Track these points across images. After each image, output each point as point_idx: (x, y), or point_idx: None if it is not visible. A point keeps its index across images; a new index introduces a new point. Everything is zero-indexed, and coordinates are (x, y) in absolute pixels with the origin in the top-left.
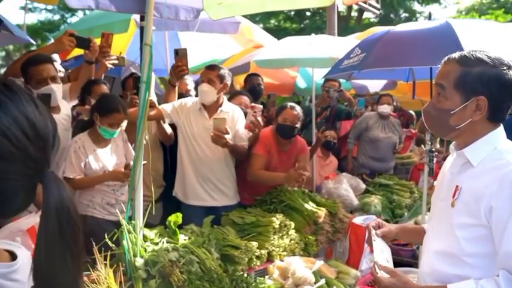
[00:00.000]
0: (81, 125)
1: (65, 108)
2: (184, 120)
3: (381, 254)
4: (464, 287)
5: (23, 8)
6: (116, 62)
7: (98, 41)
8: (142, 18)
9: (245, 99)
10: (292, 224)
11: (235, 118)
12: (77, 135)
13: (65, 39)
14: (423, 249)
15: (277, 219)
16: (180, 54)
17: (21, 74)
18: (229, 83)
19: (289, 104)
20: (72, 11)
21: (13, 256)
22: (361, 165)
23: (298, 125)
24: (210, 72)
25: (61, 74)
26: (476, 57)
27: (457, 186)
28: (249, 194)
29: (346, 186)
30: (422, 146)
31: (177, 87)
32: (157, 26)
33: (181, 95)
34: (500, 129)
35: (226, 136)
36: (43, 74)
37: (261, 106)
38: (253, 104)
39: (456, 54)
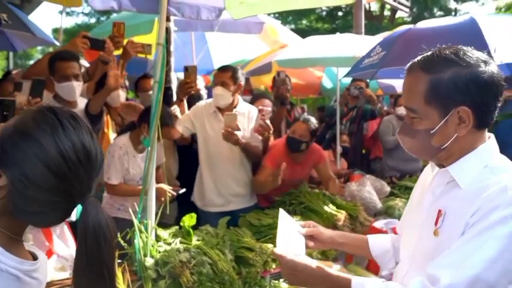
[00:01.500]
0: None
1: (82, 104)
2: (199, 125)
3: (286, 242)
4: (372, 283)
5: (61, 12)
6: (141, 49)
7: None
8: (167, 19)
9: (267, 102)
10: None
11: (251, 118)
12: (120, 139)
13: (79, 41)
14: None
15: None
16: (190, 71)
17: (47, 68)
18: (243, 83)
19: (304, 116)
20: (108, 14)
21: (34, 257)
22: (390, 168)
23: (307, 139)
24: (223, 74)
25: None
26: (443, 59)
27: (439, 210)
28: (265, 196)
29: (370, 189)
30: None
31: (185, 101)
32: (181, 27)
33: (192, 96)
34: (491, 142)
35: (238, 133)
36: (67, 71)
37: (269, 109)
38: (261, 107)
39: (418, 60)
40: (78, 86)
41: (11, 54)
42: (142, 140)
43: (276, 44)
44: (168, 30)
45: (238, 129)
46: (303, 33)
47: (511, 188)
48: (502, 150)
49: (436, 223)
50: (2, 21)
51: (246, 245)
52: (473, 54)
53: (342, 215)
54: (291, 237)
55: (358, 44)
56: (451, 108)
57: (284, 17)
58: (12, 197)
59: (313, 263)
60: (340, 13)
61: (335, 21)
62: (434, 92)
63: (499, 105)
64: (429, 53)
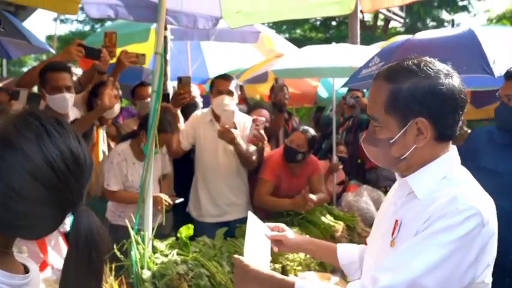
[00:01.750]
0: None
1: (73, 116)
2: (196, 135)
3: (253, 247)
4: (314, 285)
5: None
6: (135, 59)
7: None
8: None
9: (264, 112)
10: None
11: (246, 128)
12: (119, 146)
13: (73, 49)
14: None
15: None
16: (183, 82)
17: (38, 78)
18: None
19: (303, 127)
20: (102, 22)
21: (26, 269)
22: (384, 178)
23: (304, 150)
24: (227, 83)
25: (74, 78)
26: (404, 69)
27: (396, 221)
28: (260, 209)
29: (367, 199)
30: None
31: (179, 112)
32: (177, 36)
33: (187, 104)
34: (452, 153)
35: (234, 131)
36: (59, 83)
37: (264, 119)
38: (255, 117)
39: (384, 69)
40: (70, 97)
41: (4, 61)
42: (143, 148)
43: (271, 53)
44: (164, 39)
45: (235, 127)
46: (297, 42)
47: (460, 198)
48: None
49: (392, 233)
50: (4, 28)
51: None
52: (435, 66)
53: (340, 226)
54: (258, 241)
55: (354, 54)
56: (409, 118)
57: (278, 26)
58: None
59: (265, 269)
60: (333, 23)
61: (329, 31)
62: (394, 101)
63: (461, 118)
64: (394, 63)
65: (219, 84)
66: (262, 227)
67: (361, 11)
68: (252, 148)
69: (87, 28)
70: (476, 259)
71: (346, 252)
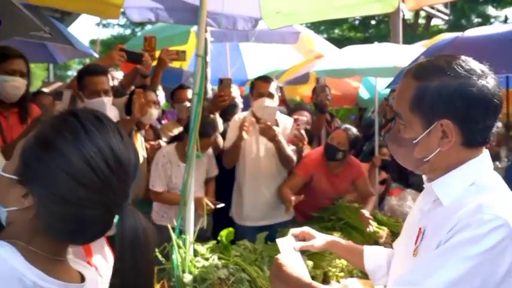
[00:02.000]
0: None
1: (113, 117)
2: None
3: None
4: None
5: (98, 24)
6: (175, 56)
7: (157, 53)
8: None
9: (306, 114)
10: None
11: (287, 128)
12: (165, 148)
13: (115, 54)
14: None
15: None
16: (224, 84)
17: (76, 83)
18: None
19: (345, 125)
20: (142, 26)
21: (82, 277)
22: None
23: (345, 148)
24: (267, 85)
25: (115, 82)
26: (434, 67)
27: (420, 229)
28: (302, 212)
29: (411, 204)
30: (498, 163)
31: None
32: (217, 38)
33: (227, 104)
34: (482, 158)
35: (276, 128)
36: (97, 87)
37: (305, 119)
38: (296, 117)
39: (413, 66)
40: (108, 101)
41: (51, 65)
42: (187, 151)
43: (310, 53)
44: (205, 42)
45: (277, 125)
46: (336, 42)
47: (486, 207)
48: None
49: (415, 242)
50: (51, 33)
51: None
52: (468, 65)
53: (383, 232)
54: (291, 255)
55: (397, 54)
56: (434, 119)
57: (316, 26)
58: (43, 216)
59: (296, 271)
60: (373, 22)
61: (368, 30)
62: (419, 100)
63: (494, 124)
64: (425, 60)
65: (259, 87)
66: (290, 240)
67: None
68: (292, 148)
69: (127, 32)
70: (505, 277)
71: (373, 255)
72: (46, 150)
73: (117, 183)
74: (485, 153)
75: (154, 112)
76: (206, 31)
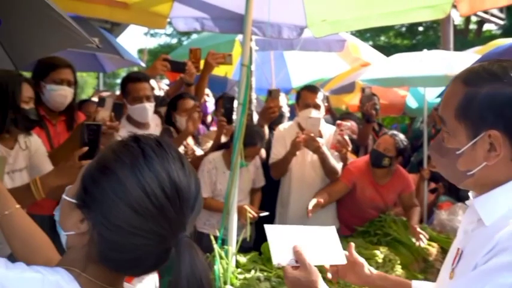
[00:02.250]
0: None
1: (154, 124)
2: (283, 150)
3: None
4: None
5: (146, 33)
6: (222, 60)
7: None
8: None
9: (352, 123)
10: (398, 259)
11: (331, 138)
12: (212, 154)
13: (158, 64)
14: None
15: (380, 253)
16: (273, 95)
17: (120, 90)
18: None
19: (392, 131)
20: (188, 35)
21: None
22: None
23: (391, 155)
24: (314, 95)
25: (161, 92)
26: (487, 72)
27: (458, 249)
28: (347, 224)
29: (462, 218)
30: None
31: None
32: (262, 46)
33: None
34: None
35: (319, 140)
36: (140, 93)
37: (348, 124)
38: (339, 122)
39: (464, 70)
40: (150, 107)
41: (101, 74)
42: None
43: (356, 61)
44: (250, 50)
45: (320, 136)
46: (382, 49)
47: None
48: None
49: (452, 263)
50: (98, 45)
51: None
52: None
53: (433, 249)
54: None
55: (448, 62)
56: (481, 130)
57: (362, 33)
58: (97, 243)
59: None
60: (420, 28)
61: (415, 37)
62: (467, 107)
63: None
64: (478, 65)
65: (305, 97)
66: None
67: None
68: (338, 163)
69: (174, 41)
70: None
71: None
72: (104, 175)
73: (173, 213)
74: None
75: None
76: (251, 40)
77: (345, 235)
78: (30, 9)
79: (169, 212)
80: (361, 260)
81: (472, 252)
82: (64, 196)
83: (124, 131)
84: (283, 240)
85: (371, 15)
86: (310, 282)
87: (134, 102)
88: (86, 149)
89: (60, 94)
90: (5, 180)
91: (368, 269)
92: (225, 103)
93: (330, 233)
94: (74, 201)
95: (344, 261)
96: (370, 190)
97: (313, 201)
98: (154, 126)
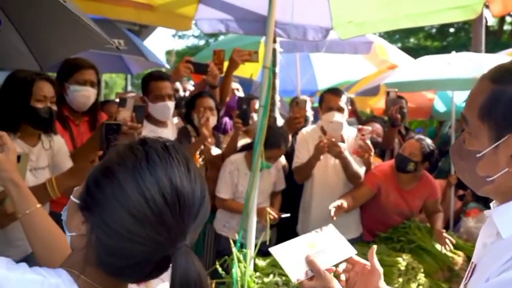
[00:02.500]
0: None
1: (171, 125)
2: (306, 154)
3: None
4: None
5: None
6: (248, 57)
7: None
8: (273, 40)
9: (377, 126)
10: (422, 268)
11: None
12: (234, 156)
13: (181, 67)
14: None
15: (403, 260)
16: (300, 105)
17: (141, 88)
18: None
19: (419, 136)
20: (216, 36)
21: None
22: None
23: (417, 160)
24: (338, 98)
25: (187, 93)
26: None
27: (472, 263)
28: (370, 230)
29: (481, 230)
30: None
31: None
32: (287, 48)
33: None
34: None
35: (341, 145)
36: (161, 91)
37: (370, 128)
38: (360, 127)
39: (494, 67)
40: (171, 105)
41: (129, 76)
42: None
43: (383, 64)
44: (274, 52)
45: (343, 141)
46: (411, 52)
47: None
48: None
49: (465, 278)
50: (118, 47)
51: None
52: None
53: (459, 258)
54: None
55: (478, 64)
56: (505, 132)
57: (390, 35)
58: (94, 246)
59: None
60: (451, 29)
61: (446, 39)
62: (491, 106)
63: None
64: (510, 61)
65: (329, 100)
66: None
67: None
68: (360, 167)
69: (202, 42)
70: None
71: None
72: (106, 178)
73: (173, 220)
74: None
75: (211, 119)
76: (275, 42)
77: (367, 241)
78: (51, 11)
79: (168, 219)
80: (380, 269)
81: (485, 265)
82: (71, 197)
83: (144, 130)
84: (292, 256)
85: (399, 17)
86: None
87: (156, 100)
88: (101, 152)
89: (84, 95)
90: (28, 177)
91: (383, 282)
92: (241, 104)
93: (330, 232)
94: (77, 202)
95: (354, 252)
96: (395, 195)
97: (336, 203)
98: (172, 126)
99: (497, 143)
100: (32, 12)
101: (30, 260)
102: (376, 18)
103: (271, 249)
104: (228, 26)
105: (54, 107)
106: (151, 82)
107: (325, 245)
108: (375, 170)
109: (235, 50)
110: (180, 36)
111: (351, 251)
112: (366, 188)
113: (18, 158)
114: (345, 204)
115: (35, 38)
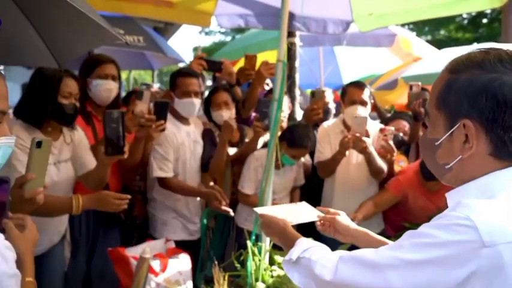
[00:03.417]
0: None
1: (193, 122)
2: (328, 148)
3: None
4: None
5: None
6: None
7: (242, 61)
8: (290, 34)
9: (404, 124)
10: None
11: (376, 138)
12: (259, 152)
13: (194, 63)
14: None
15: None
16: (316, 97)
17: (169, 83)
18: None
19: None
20: (242, 32)
21: None
22: None
23: None
24: (360, 91)
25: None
26: (469, 58)
27: None
28: (392, 224)
29: None
30: None
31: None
32: (308, 42)
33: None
34: (508, 172)
35: (366, 139)
36: (188, 88)
37: (392, 128)
38: (382, 127)
39: (454, 59)
40: (197, 102)
41: (155, 72)
42: (281, 157)
43: (408, 57)
44: (292, 46)
45: (368, 136)
46: (442, 44)
47: (464, 206)
48: None
49: None
50: (127, 42)
51: None
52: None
53: None
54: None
55: None
56: (457, 119)
57: (420, 27)
58: None
59: (285, 223)
60: (484, 20)
61: (478, 30)
62: (446, 95)
63: None
64: (467, 52)
65: (351, 93)
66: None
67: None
68: (383, 163)
69: (228, 38)
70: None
71: None
72: None
73: None
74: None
75: (225, 113)
76: (294, 35)
77: (389, 235)
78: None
79: None
80: (341, 213)
81: None
82: None
83: (167, 124)
84: (270, 212)
85: (421, 7)
86: (282, 223)
87: (183, 96)
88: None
89: (106, 88)
90: (51, 170)
91: (349, 221)
92: (261, 107)
93: (305, 205)
94: None
95: (316, 218)
96: (423, 200)
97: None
98: (195, 125)
99: (450, 131)
100: (47, 8)
101: (47, 256)
102: (397, 9)
103: (255, 209)
104: (247, 21)
105: (78, 103)
106: (179, 78)
107: (297, 210)
108: (400, 176)
109: (263, 63)
110: (206, 33)
111: (314, 217)
112: (390, 194)
113: (40, 143)
114: (360, 217)
115: (51, 34)
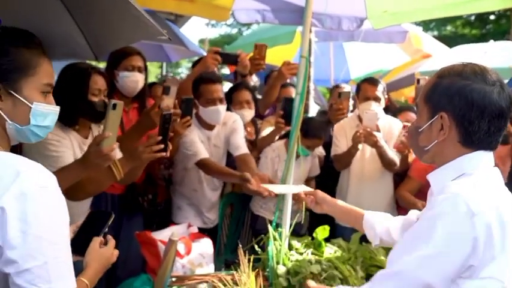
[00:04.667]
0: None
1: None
2: (345, 142)
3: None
4: None
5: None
6: (297, 71)
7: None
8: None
9: (411, 116)
10: None
11: (392, 134)
12: (276, 143)
13: (209, 58)
14: None
15: None
16: (343, 97)
17: (192, 90)
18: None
19: None
20: (248, 25)
21: None
22: None
23: None
24: (374, 88)
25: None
26: (454, 68)
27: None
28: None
29: None
30: None
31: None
32: (322, 37)
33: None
34: (479, 154)
35: (377, 134)
36: (213, 95)
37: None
38: (405, 123)
39: (444, 67)
40: (223, 109)
41: (164, 63)
42: (298, 148)
43: (417, 53)
44: (309, 42)
45: (378, 130)
46: (448, 40)
47: (449, 186)
48: None
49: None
50: (170, 38)
51: (378, 263)
52: (484, 74)
53: None
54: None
55: None
56: (437, 112)
57: (426, 23)
58: None
59: None
60: (492, 16)
61: (485, 26)
62: (432, 92)
63: (492, 129)
64: (455, 64)
65: (365, 90)
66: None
67: None
68: (395, 157)
69: (234, 31)
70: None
71: (370, 223)
72: None
73: None
74: (485, 154)
75: (247, 113)
76: (311, 31)
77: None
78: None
79: None
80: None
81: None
82: None
83: (191, 133)
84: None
85: (435, 6)
86: None
87: (207, 104)
88: (159, 138)
89: (133, 80)
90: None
91: (326, 195)
92: (285, 105)
93: (303, 187)
94: None
95: (300, 190)
96: None
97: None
98: (218, 127)
99: (431, 121)
100: (87, 1)
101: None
102: (411, 7)
103: (264, 185)
104: (264, 16)
105: (107, 100)
106: (202, 85)
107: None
108: (418, 163)
109: (285, 63)
110: (213, 25)
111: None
112: (415, 181)
113: (115, 105)
114: (419, 205)
115: (90, 27)
